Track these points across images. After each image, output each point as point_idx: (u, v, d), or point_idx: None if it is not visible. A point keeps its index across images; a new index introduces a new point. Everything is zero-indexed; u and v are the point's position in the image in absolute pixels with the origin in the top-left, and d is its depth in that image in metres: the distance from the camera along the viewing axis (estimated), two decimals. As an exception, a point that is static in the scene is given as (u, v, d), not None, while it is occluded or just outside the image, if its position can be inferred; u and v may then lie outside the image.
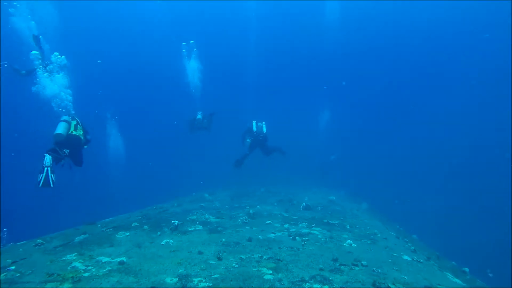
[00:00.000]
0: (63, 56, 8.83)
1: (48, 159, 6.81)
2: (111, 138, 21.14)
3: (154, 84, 31.20)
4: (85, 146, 8.08)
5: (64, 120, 7.52)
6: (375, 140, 27.54)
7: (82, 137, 7.80)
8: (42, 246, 5.43)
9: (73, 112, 8.47)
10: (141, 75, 31.05)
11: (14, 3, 10.15)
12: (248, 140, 11.24)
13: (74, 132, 7.59)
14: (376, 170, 22.98)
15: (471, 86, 26.99)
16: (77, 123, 7.85)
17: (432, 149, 25.15)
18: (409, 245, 6.83)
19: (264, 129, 11.26)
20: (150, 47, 29.77)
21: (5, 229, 6.27)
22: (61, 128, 7.27)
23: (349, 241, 6.07)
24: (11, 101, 22.64)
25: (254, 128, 11.21)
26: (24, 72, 9.40)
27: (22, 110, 23.65)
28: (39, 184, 6.51)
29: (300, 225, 7.35)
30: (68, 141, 7.42)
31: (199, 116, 12.69)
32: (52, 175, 6.66)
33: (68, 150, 7.36)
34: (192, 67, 16.59)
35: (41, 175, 6.58)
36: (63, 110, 8.33)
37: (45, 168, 6.65)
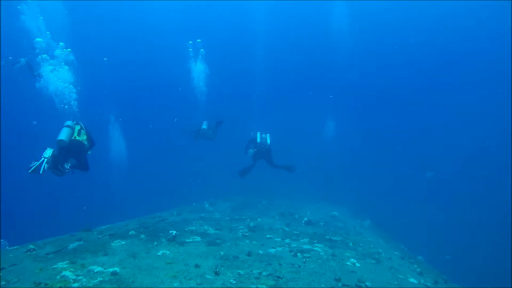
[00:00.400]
0: (68, 49, 8.74)
1: (49, 151, 6.68)
2: (114, 141, 20.87)
3: (159, 87, 31.06)
4: (89, 152, 7.94)
5: (67, 126, 7.39)
6: (380, 155, 27.24)
7: (85, 142, 7.67)
8: (34, 252, 5.24)
9: (76, 110, 8.35)
10: (147, 77, 30.89)
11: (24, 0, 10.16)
12: (251, 150, 11.07)
13: (77, 138, 7.46)
14: (380, 185, 22.65)
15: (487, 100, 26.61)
16: (81, 128, 7.73)
17: (438, 166, 24.80)
18: (415, 266, 6.55)
19: (268, 141, 11.08)
20: (157, 49, 29.67)
21: None
22: (63, 135, 7.14)
23: (352, 259, 5.83)
24: (13, 100, 22.73)
25: (258, 139, 11.05)
26: (36, 73, 9.38)
27: (24, 108, 23.69)
28: (29, 170, 6.38)
29: (301, 240, 7.11)
30: (71, 146, 7.30)
31: (204, 126, 12.55)
32: (46, 165, 6.51)
33: (69, 165, 7.20)
34: (199, 69, 16.38)
35: (35, 162, 6.45)
36: (66, 107, 8.22)
37: (42, 158, 6.53)
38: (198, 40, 16.34)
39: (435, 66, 28.19)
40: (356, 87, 29.77)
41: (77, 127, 7.63)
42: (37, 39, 8.47)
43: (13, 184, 20.57)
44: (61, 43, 8.69)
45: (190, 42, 16.26)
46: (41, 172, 6.40)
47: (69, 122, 7.51)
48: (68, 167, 7.14)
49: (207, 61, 16.56)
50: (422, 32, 26.62)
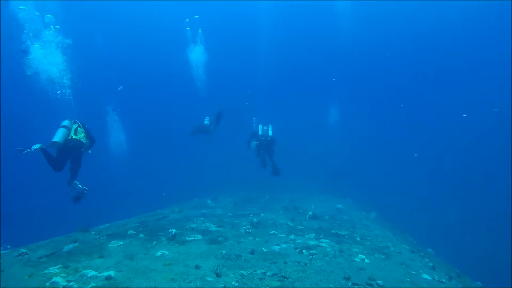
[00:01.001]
0: (57, 26, 8.29)
1: (37, 145, 6.49)
2: (113, 134, 20.29)
3: (158, 81, 30.58)
4: (89, 151, 7.65)
5: (63, 126, 7.14)
6: (383, 146, 26.91)
7: (83, 140, 7.39)
8: (26, 256, 4.96)
9: (71, 97, 8.04)
10: (146, 71, 30.35)
11: None
12: (254, 143, 10.81)
13: (74, 137, 7.20)
14: (384, 177, 22.35)
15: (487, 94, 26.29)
16: (78, 126, 7.46)
17: (443, 155, 24.47)
18: (426, 261, 6.26)
19: (270, 133, 10.80)
20: (156, 44, 29.06)
21: None
22: (58, 136, 6.89)
23: (361, 255, 5.54)
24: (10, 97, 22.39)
25: (260, 132, 10.77)
26: (23, 47, 9.02)
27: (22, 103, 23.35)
28: (17, 147, 6.31)
29: (307, 236, 6.83)
30: (69, 145, 7.04)
31: (206, 122, 12.23)
32: (33, 150, 6.41)
33: (83, 185, 7.22)
34: (197, 52, 15.64)
35: (22, 148, 6.34)
36: (58, 92, 7.91)
37: (30, 148, 6.37)
38: (195, 17, 15.53)
39: (436, 65, 27.80)
40: (357, 84, 29.46)
41: (74, 126, 7.38)
42: (21, 6, 8.01)
43: (13, 184, 20.40)
44: (48, 15, 8.17)
45: (187, 20, 15.46)
46: (24, 152, 6.31)
47: (65, 122, 7.26)
48: (85, 187, 7.22)
49: (207, 47, 15.87)
50: (421, 32, 26.13)
